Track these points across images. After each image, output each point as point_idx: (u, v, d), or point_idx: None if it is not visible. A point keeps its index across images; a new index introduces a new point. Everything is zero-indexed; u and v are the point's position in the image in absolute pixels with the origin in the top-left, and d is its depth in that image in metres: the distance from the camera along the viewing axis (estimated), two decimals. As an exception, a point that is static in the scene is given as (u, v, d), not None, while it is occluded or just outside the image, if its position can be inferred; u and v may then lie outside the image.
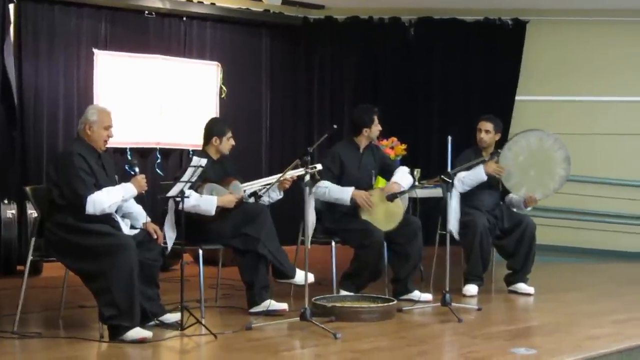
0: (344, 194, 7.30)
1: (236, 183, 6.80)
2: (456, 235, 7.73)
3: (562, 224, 11.64)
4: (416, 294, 7.40)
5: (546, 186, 7.96)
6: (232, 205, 6.64)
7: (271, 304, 6.61)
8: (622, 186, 11.93)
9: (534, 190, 7.93)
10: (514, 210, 8.16)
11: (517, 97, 11.77)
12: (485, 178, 7.85)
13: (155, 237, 6.05)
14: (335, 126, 6.82)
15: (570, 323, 6.64)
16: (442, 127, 11.01)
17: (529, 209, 8.08)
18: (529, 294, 7.91)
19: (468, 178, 7.85)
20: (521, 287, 7.98)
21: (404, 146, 9.34)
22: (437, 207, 8.05)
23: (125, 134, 9.27)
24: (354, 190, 7.30)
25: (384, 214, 7.34)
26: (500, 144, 8.06)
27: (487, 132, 8.05)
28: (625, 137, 11.87)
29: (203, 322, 6.01)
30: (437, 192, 8.33)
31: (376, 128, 7.61)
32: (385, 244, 7.29)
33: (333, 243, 7.37)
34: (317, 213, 7.24)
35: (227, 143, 6.99)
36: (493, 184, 7.98)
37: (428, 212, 9.06)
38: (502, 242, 8.02)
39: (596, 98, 11.91)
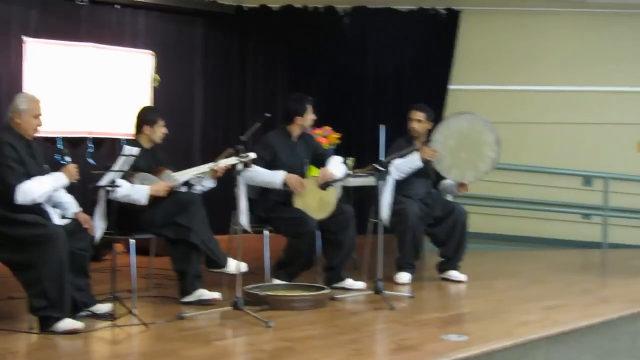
0: (275, 177, 7.30)
1: (168, 172, 6.77)
2: (388, 224, 7.76)
3: (493, 212, 11.76)
4: (349, 282, 7.43)
5: (477, 168, 8.03)
6: (165, 193, 6.60)
7: (203, 294, 6.59)
8: (553, 174, 12.07)
9: (464, 172, 7.99)
10: (448, 196, 8.23)
11: (450, 86, 11.84)
12: (421, 165, 7.91)
13: (86, 227, 6.00)
14: (268, 115, 6.82)
15: (501, 310, 6.72)
16: (376, 116, 11.03)
17: (462, 193, 8.15)
18: (460, 282, 8.00)
19: (403, 165, 7.90)
20: (453, 274, 8.06)
21: (337, 135, 9.36)
22: (370, 195, 8.07)
23: (56, 122, 9.15)
24: (286, 173, 7.31)
25: (317, 203, 7.35)
26: (431, 132, 8.10)
27: (418, 121, 8.10)
28: (556, 126, 12.01)
29: (135, 312, 5.97)
30: (370, 180, 8.36)
31: (309, 117, 7.62)
32: (318, 233, 7.31)
33: (266, 232, 7.38)
34: (249, 202, 7.23)
35: (159, 132, 6.95)
36: (425, 173, 8.04)
37: (361, 200, 9.10)
38: (434, 230, 8.09)
39: (528, 87, 12.03)
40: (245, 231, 6.93)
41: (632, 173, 11.94)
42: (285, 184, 7.28)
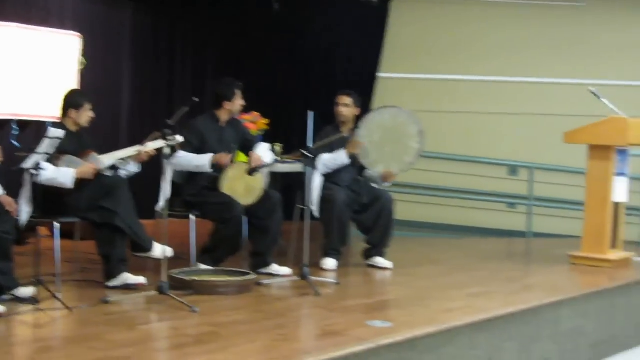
0: (203, 160, 7.27)
1: (94, 155, 6.70)
2: (315, 212, 7.78)
3: (419, 200, 11.87)
4: (275, 268, 7.43)
5: (402, 160, 8.09)
6: (91, 175, 6.53)
7: (128, 278, 6.54)
8: (479, 163, 12.20)
9: (390, 165, 8.05)
10: (374, 185, 8.27)
11: (379, 74, 11.89)
12: (348, 161, 7.96)
13: (9, 210, 5.92)
14: (196, 99, 6.78)
15: (426, 296, 6.77)
16: (305, 103, 11.02)
17: (387, 183, 8.20)
18: (386, 268, 8.05)
19: (331, 161, 7.96)
20: (379, 261, 8.11)
21: (265, 121, 9.36)
22: (298, 182, 8.08)
23: (-21, 104, 9.02)
24: (213, 155, 7.28)
25: (245, 188, 7.34)
26: (359, 119, 8.14)
27: (345, 105, 8.14)
28: (483, 115, 12.15)
29: (59, 296, 5.91)
30: (297, 167, 8.38)
31: (238, 102, 7.60)
32: (245, 218, 7.30)
33: (192, 217, 7.35)
34: (176, 186, 7.20)
35: (85, 115, 6.87)
36: (352, 160, 8.06)
37: (288, 187, 9.10)
38: (361, 217, 8.13)
39: (455, 76, 12.15)
40: (171, 215, 6.89)
41: (556, 164, 12.12)
42: (213, 165, 7.25)
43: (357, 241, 8.61)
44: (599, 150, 8.57)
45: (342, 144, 7.97)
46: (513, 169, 12.33)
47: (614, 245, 8.73)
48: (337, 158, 7.96)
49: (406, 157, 8.09)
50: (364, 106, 8.40)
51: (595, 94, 8.63)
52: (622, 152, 8.67)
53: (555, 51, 12.23)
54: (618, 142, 8.48)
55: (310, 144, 7.09)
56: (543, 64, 12.31)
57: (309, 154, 7.00)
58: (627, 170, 8.77)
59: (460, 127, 12.23)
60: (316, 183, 7.84)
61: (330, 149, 7.95)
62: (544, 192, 12.11)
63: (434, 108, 11.71)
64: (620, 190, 8.68)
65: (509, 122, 12.34)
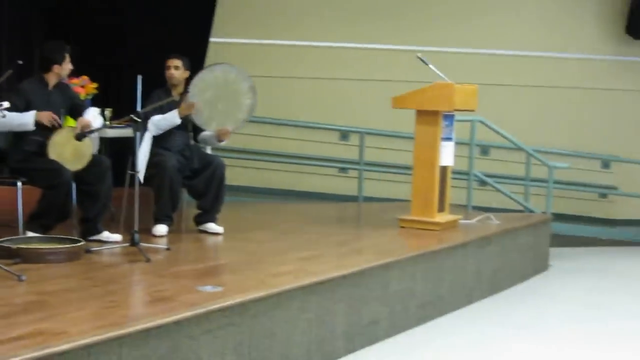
0: (27, 117, 7.05)
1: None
2: (142, 178, 7.67)
3: (251, 165, 11.90)
4: (105, 235, 7.32)
5: (235, 117, 8.09)
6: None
7: (-48, 247, 6.35)
8: (311, 128, 12.32)
9: (224, 123, 8.04)
10: (208, 148, 8.25)
11: (213, 39, 11.81)
12: (179, 122, 7.90)
13: None
14: (20, 62, 6.60)
15: (257, 261, 6.82)
16: (134, 67, 10.84)
17: (223, 142, 8.18)
18: (218, 234, 8.04)
19: (162, 122, 7.88)
20: (211, 226, 8.10)
21: (94, 85, 9.18)
22: (127, 147, 7.99)
23: None
24: (36, 112, 7.09)
25: (73, 154, 7.19)
26: (189, 82, 8.08)
27: (176, 68, 8.10)
28: (315, 81, 12.26)
29: None
30: (127, 132, 8.29)
31: (67, 66, 7.43)
32: (74, 184, 7.17)
33: (19, 183, 7.16)
34: (1, 152, 7.00)
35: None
36: (183, 125, 8.02)
37: (118, 152, 8.99)
38: (192, 182, 8.09)
39: (286, 42, 12.19)
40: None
41: (386, 129, 12.33)
42: (37, 123, 7.05)
43: (189, 207, 8.57)
44: (425, 116, 8.75)
45: (172, 107, 7.91)
46: (344, 134, 12.50)
47: (441, 208, 8.95)
48: (168, 118, 7.89)
49: (239, 114, 8.10)
50: (196, 71, 8.33)
51: (423, 60, 8.80)
52: (449, 117, 8.89)
53: (385, 18, 12.42)
54: (444, 107, 8.68)
55: (139, 108, 7.01)
56: (370, 30, 12.48)
57: (138, 119, 6.92)
58: (453, 135, 9.00)
59: (293, 92, 12.30)
60: (144, 148, 7.76)
61: (161, 112, 7.89)
62: (375, 157, 12.32)
63: (266, 73, 11.73)
64: (446, 155, 8.90)
65: (340, 87, 12.48)
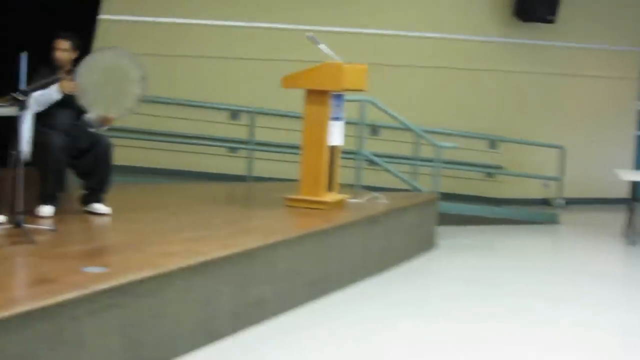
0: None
1: None
2: (26, 157, 7.53)
3: (140, 145, 11.79)
4: (-13, 216, 7.20)
5: (121, 105, 7.96)
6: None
7: None
8: (201, 108, 12.26)
9: (108, 108, 7.91)
10: (92, 129, 8.13)
11: (101, 16, 11.63)
12: (58, 97, 7.75)
13: None
14: None
15: (144, 241, 6.78)
16: (18, 44, 10.62)
17: (105, 127, 8.08)
18: (104, 214, 7.95)
19: (41, 98, 7.72)
20: (97, 207, 8.00)
21: (-24, 63, 8.96)
22: (10, 126, 7.82)
23: None
24: None
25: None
26: (78, 62, 7.96)
27: (64, 50, 7.95)
28: (205, 60, 12.22)
29: None
30: (10, 111, 8.10)
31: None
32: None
33: None
34: None
35: None
36: (70, 104, 7.89)
37: (2, 132, 8.79)
38: (79, 162, 7.97)
39: (178, 20, 12.11)
40: None
41: (277, 108, 12.35)
42: None
43: (76, 187, 8.46)
44: (315, 95, 8.79)
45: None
46: (235, 114, 12.47)
47: (330, 188, 9.01)
48: (47, 93, 7.74)
49: (126, 102, 7.97)
50: (85, 49, 8.20)
51: (313, 40, 8.82)
52: (338, 97, 8.94)
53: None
54: (333, 87, 8.73)
55: (23, 86, 6.89)
56: (266, 10, 12.47)
57: (22, 97, 6.79)
58: (342, 114, 9.06)
59: (184, 71, 12.22)
60: (26, 126, 7.61)
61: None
62: (265, 136, 12.32)
63: (157, 52, 11.64)
64: (336, 134, 8.96)
65: (231, 67, 12.44)
